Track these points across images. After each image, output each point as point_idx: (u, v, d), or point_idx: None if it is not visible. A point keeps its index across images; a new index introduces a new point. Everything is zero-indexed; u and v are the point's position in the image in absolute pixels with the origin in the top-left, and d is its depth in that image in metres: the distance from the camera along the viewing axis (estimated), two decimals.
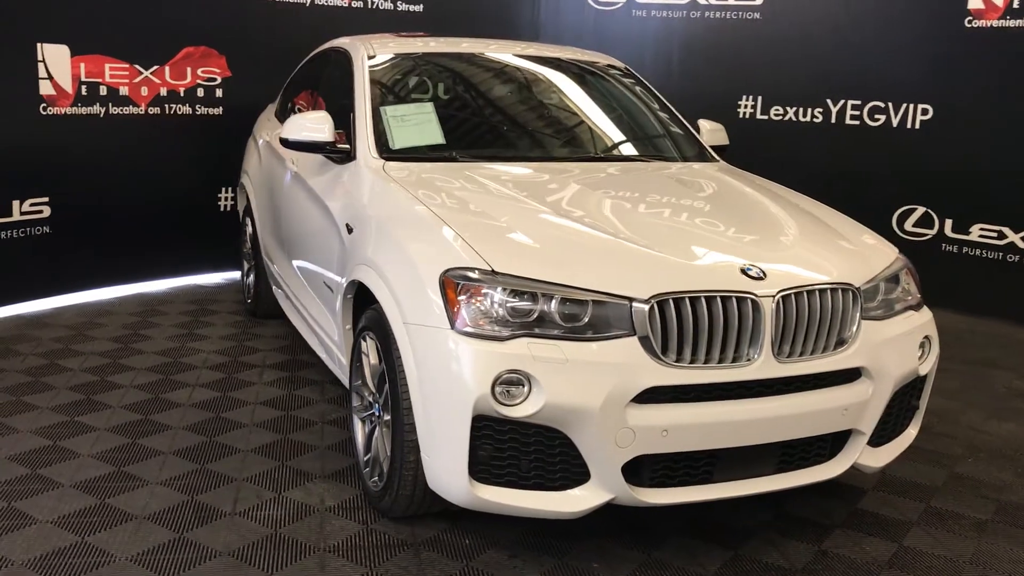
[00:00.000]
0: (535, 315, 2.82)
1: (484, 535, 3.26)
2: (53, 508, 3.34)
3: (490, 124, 4.35)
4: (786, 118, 7.29)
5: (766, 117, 7.36)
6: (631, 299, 2.82)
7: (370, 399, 3.43)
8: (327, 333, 4.07)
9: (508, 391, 2.76)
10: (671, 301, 2.83)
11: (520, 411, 2.76)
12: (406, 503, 3.19)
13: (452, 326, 2.83)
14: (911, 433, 3.50)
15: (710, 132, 4.68)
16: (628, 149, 4.39)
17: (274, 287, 5.29)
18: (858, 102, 6.99)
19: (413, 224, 3.24)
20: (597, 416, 2.75)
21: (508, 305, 2.82)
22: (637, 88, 4.76)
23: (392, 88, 4.29)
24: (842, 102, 7.06)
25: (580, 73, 4.74)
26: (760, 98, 7.38)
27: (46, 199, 5.93)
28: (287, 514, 3.37)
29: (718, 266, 3.00)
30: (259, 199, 5.49)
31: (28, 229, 5.86)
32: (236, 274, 6.66)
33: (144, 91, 6.36)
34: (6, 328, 5.51)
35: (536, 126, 4.38)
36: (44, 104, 5.80)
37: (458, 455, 2.83)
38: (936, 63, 6.64)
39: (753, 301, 2.90)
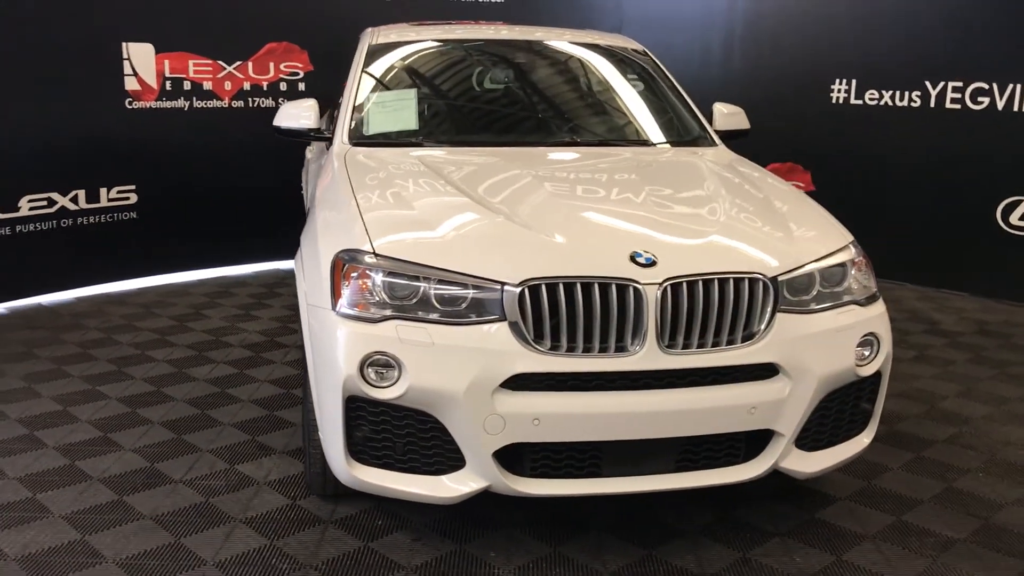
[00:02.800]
0: (415, 298, 2.81)
1: (399, 517, 3.28)
2: (25, 466, 3.63)
3: (471, 109, 4.35)
4: (882, 102, 6.80)
5: (860, 102, 6.90)
6: (503, 283, 2.76)
7: None
8: None
9: (381, 373, 2.77)
10: (543, 286, 2.75)
11: (388, 393, 2.77)
12: (320, 481, 3.26)
13: (334, 307, 2.87)
14: (863, 440, 3.21)
15: (725, 116, 4.46)
16: (609, 134, 4.26)
17: None
18: (959, 84, 6.43)
19: (336, 207, 3.29)
20: (462, 401, 2.71)
21: (387, 287, 2.83)
22: (648, 71, 4.60)
23: (387, 75, 4.36)
24: (942, 84, 6.51)
25: (587, 57, 4.63)
26: (854, 81, 6.92)
27: (133, 187, 6.41)
28: (227, 485, 3.51)
29: (606, 251, 2.87)
30: (305, 188, 5.72)
31: (116, 214, 6.35)
32: None
33: (227, 86, 6.75)
34: (86, 305, 6.01)
35: (520, 112, 4.33)
36: (130, 99, 6.27)
37: (336, 435, 2.87)
38: None
39: (636, 289, 2.76)
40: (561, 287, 2.75)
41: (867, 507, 3.44)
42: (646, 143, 4.21)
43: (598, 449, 2.85)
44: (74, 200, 6.10)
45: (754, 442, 2.98)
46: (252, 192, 6.95)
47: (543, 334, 2.75)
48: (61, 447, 3.82)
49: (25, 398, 4.35)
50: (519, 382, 2.75)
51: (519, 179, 3.48)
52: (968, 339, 5.62)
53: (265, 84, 6.93)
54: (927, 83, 6.57)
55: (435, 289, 2.80)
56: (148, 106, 6.38)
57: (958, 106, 6.45)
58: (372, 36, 4.55)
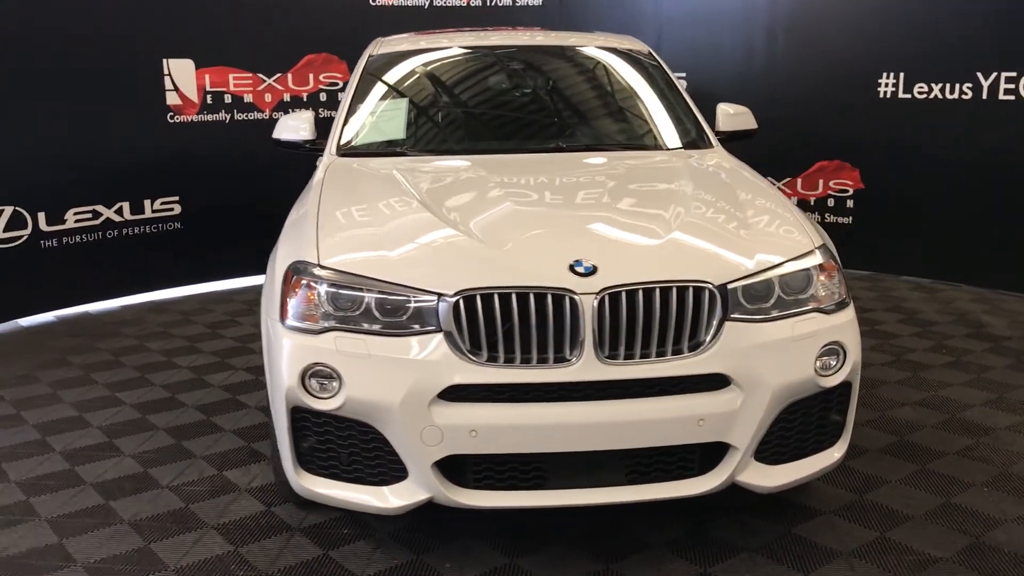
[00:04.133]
0: (358, 310, 2.83)
1: (366, 526, 3.30)
2: (29, 470, 3.80)
3: (462, 118, 4.34)
4: (931, 96, 6.50)
5: (909, 96, 6.61)
6: (440, 294, 2.75)
7: None
8: None
9: (323, 384, 2.80)
10: (478, 297, 2.73)
11: (328, 404, 2.79)
12: (287, 488, 3.28)
13: (282, 318, 2.91)
14: (833, 454, 3.07)
15: (730, 117, 4.35)
16: (598, 139, 4.19)
17: None
18: (1012, 74, 6.10)
19: (300, 220, 3.34)
20: (398, 412, 2.72)
21: (331, 299, 2.85)
22: (648, 73, 4.51)
23: (382, 85, 4.39)
24: (994, 75, 6.18)
25: (586, 62, 4.58)
26: (902, 75, 6.64)
27: (176, 198, 6.62)
28: (209, 491, 3.60)
29: (546, 261, 2.83)
30: None
31: (160, 225, 6.58)
32: None
33: (268, 98, 6.93)
34: (130, 313, 6.25)
35: (510, 119, 4.30)
36: (171, 113, 6.49)
37: (286, 444, 2.92)
38: None
39: (572, 299, 2.71)
40: (496, 298, 2.72)
41: (851, 522, 3.30)
42: (635, 147, 4.14)
43: (542, 461, 2.81)
44: (119, 212, 6.34)
45: (710, 455, 2.89)
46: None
47: (480, 345, 2.73)
48: (66, 452, 3.97)
49: (47, 404, 4.54)
50: (457, 393, 2.74)
51: (487, 190, 3.45)
52: (1014, 344, 5.33)
53: (305, 95, 7.08)
54: (978, 74, 6.26)
55: (376, 301, 2.81)
56: (190, 120, 6.58)
57: (1012, 97, 6.13)
58: (374, 47, 4.60)
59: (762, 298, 2.90)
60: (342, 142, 4.06)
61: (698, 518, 3.31)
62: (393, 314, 2.80)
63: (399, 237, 3.04)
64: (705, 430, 2.79)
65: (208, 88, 6.63)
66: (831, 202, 7.10)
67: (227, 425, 4.25)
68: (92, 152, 6.13)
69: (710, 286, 2.79)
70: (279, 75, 6.93)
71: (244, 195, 6.91)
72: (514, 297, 2.72)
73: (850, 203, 7.04)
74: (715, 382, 2.81)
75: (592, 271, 2.76)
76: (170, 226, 6.63)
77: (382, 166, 3.81)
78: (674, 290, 2.76)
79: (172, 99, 6.49)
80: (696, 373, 2.77)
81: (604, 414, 2.74)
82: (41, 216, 5.94)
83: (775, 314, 2.90)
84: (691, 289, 2.78)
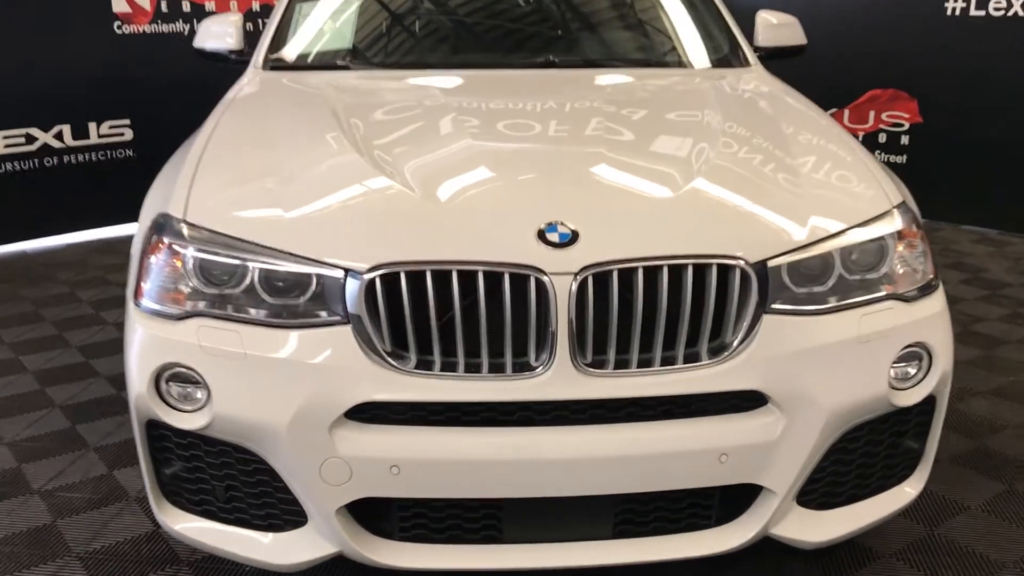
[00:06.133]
0: (238, 288, 1.98)
1: None
2: None
3: (422, 22, 3.42)
4: (1010, 13, 5.48)
5: (983, 12, 5.59)
6: (348, 270, 1.90)
7: None
8: None
9: (186, 392, 1.98)
10: (403, 275, 1.87)
11: (192, 421, 1.97)
12: None
13: (136, 297, 2.07)
14: (906, 491, 2.23)
15: (773, 28, 3.42)
16: (601, 53, 3.27)
17: None
18: None
19: (184, 156, 2.47)
20: (286, 439, 1.89)
21: (200, 270, 2.00)
22: None
23: None
24: None
25: None
26: None
27: (127, 121, 5.78)
28: (90, 499, 2.82)
29: (505, 224, 1.96)
30: None
31: (108, 152, 5.75)
32: None
33: (233, 5, 6.01)
34: (72, 253, 5.47)
35: (491, 25, 3.38)
36: (119, 22, 5.61)
37: (144, 470, 2.11)
38: None
39: (539, 281, 1.85)
40: (429, 276, 1.86)
41: (920, 571, 2.47)
42: (650, 63, 3.22)
43: (496, 506, 1.98)
44: (59, 136, 5.51)
45: (734, 497, 2.05)
46: None
47: (406, 345, 1.88)
48: None
49: None
50: (373, 413, 1.91)
51: (442, 120, 2.55)
52: None
53: None
54: None
55: (260, 274, 1.96)
56: (141, 30, 5.71)
57: None
58: None
59: (816, 279, 2.03)
60: (271, 53, 3.17)
61: (716, 561, 2.49)
62: (284, 295, 1.96)
63: (306, 187, 2.17)
64: (728, 469, 1.95)
65: None
66: (883, 137, 6.13)
67: None
68: (24, 67, 5.28)
69: (742, 263, 1.92)
70: None
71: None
72: (455, 276, 1.86)
73: (905, 139, 6.06)
74: (746, 401, 1.96)
75: (570, 239, 1.89)
76: (120, 153, 5.80)
77: (314, 84, 2.93)
78: (689, 269, 1.89)
79: (119, 6, 5.61)
80: (719, 390, 1.91)
81: (583, 446, 1.90)
82: None
83: (834, 303, 2.03)
84: (713, 267, 1.90)
